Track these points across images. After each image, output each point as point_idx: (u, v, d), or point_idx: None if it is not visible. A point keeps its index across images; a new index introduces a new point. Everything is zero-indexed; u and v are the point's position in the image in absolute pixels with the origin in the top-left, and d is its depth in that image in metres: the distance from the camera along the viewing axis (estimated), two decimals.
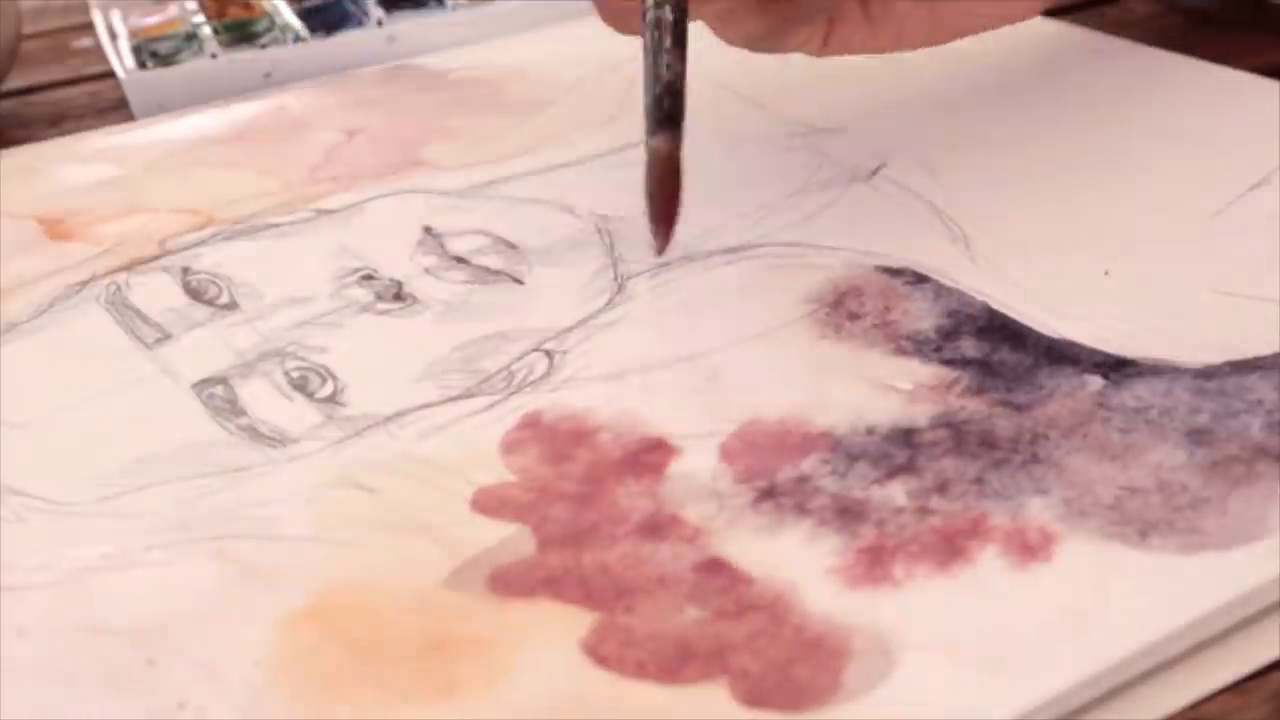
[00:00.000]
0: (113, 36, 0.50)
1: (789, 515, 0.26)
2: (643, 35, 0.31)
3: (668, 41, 0.31)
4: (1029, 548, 0.25)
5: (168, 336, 0.33)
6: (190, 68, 0.47)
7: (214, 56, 0.48)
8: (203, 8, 0.51)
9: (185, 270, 0.36)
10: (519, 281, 0.34)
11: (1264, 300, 0.31)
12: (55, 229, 0.39)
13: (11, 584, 0.26)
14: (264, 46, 0.48)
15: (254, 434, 0.30)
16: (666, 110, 0.31)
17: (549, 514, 0.27)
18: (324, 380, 0.31)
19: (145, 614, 0.25)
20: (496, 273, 0.35)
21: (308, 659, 0.24)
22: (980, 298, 0.32)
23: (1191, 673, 0.23)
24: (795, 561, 0.25)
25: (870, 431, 0.28)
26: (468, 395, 0.30)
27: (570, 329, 0.32)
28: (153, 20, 0.51)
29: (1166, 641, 0.23)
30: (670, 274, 0.34)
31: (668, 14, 0.31)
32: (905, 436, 0.28)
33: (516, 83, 0.45)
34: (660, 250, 0.31)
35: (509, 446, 0.29)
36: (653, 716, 0.22)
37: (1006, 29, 0.38)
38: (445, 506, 0.27)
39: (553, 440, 0.29)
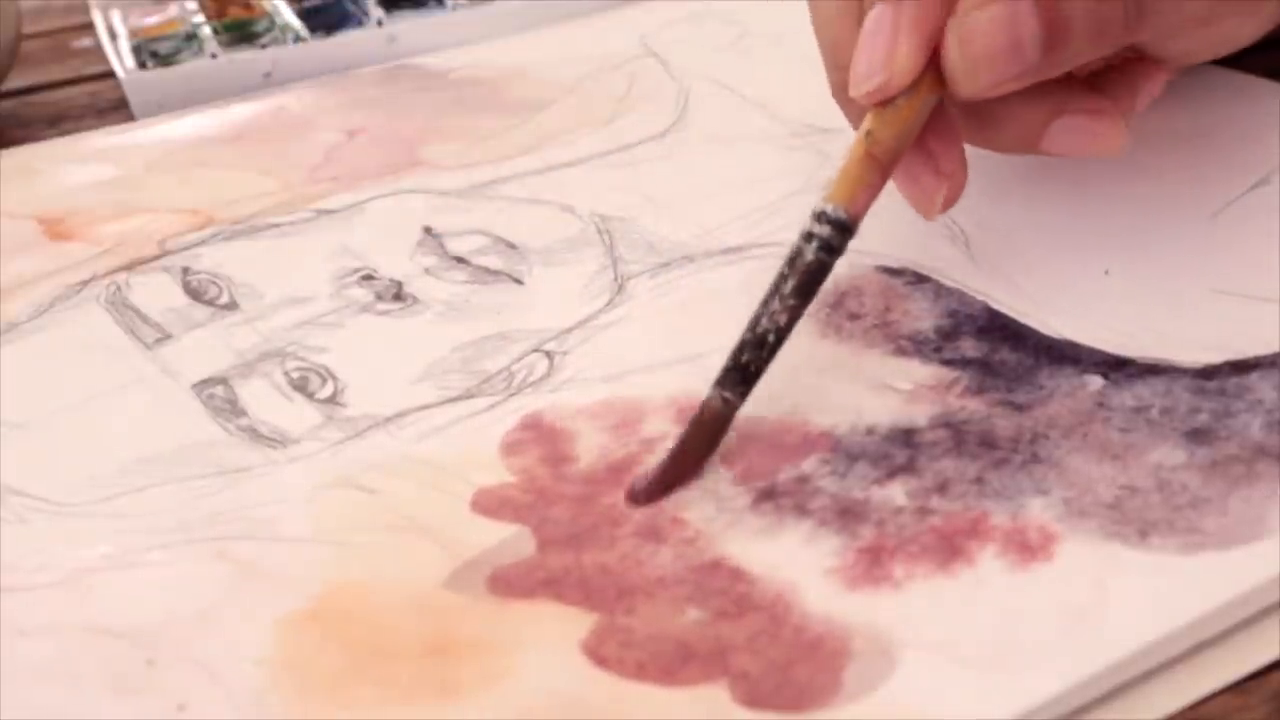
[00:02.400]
0: (113, 36, 0.50)
1: (789, 516, 0.26)
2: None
3: (790, 285, 0.28)
4: (1029, 548, 0.25)
5: (168, 336, 0.33)
6: (190, 68, 0.47)
7: (214, 56, 0.47)
8: (203, 8, 0.51)
9: (185, 270, 0.36)
10: (519, 282, 0.34)
11: (1264, 300, 0.31)
12: (55, 229, 0.39)
13: (12, 585, 0.26)
14: (264, 46, 0.48)
15: (254, 434, 0.30)
16: (743, 364, 0.28)
17: (549, 515, 0.27)
18: (324, 380, 0.31)
19: (145, 614, 0.25)
20: (496, 273, 0.35)
21: (308, 660, 0.24)
22: (980, 298, 0.32)
23: (1191, 673, 0.23)
24: (795, 562, 0.25)
25: (870, 431, 0.28)
26: (468, 396, 0.30)
27: (570, 329, 0.32)
28: (153, 20, 0.51)
29: (1166, 641, 0.23)
30: (670, 274, 0.34)
31: (811, 254, 0.28)
32: (905, 436, 0.28)
33: (516, 83, 0.45)
34: (639, 497, 0.27)
35: (509, 447, 0.29)
36: (653, 717, 0.22)
37: None
38: (445, 507, 0.27)
39: (553, 441, 0.29)
